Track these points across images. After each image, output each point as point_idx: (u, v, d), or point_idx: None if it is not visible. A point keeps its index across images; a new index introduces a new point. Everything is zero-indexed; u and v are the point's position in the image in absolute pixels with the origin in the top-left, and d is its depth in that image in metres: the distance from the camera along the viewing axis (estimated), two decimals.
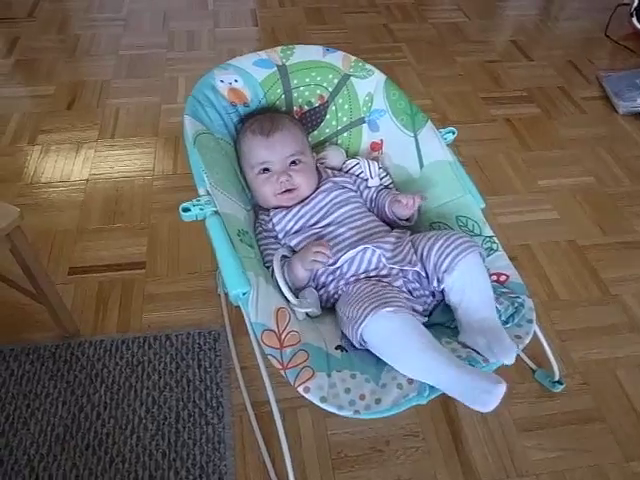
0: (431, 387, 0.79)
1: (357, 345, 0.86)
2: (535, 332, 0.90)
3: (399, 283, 0.91)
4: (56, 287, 1.14)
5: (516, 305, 0.88)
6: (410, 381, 0.80)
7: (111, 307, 1.27)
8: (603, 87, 1.97)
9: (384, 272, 0.93)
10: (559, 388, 1.12)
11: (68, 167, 1.62)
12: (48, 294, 1.10)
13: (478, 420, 1.09)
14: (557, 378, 1.12)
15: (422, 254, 0.93)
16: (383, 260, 0.94)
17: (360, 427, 1.07)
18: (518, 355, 1.19)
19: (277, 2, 2.48)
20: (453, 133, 1.12)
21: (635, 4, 2.18)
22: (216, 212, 0.91)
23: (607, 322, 1.27)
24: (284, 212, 1.03)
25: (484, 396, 0.73)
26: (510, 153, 1.71)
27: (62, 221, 1.46)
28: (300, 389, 0.78)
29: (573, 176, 1.64)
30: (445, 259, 0.89)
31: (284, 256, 0.96)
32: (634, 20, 2.20)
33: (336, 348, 0.87)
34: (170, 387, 1.12)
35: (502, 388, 0.72)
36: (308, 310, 0.90)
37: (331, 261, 0.96)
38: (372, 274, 0.94)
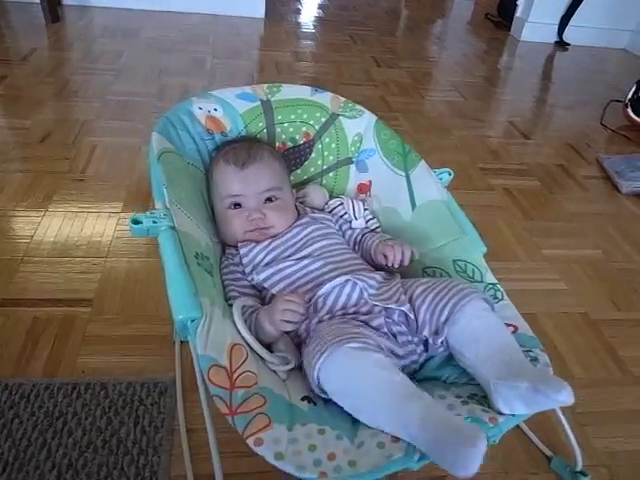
0: None
1: (318, 393, 0.68)
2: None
3: (378, 322, 0.74)
4: None
5: (529, 360, 0.70)
6: (395, 439, 0.61)
7: (42, 346, 1.05)
8: (604, 168, 1.90)
9: (364, 309, 0.76)
10: None
11: (27, 196, 1.46)
12: None
13: None
14: (579, 468, 0.90)
15: (414, 299, 0.77)
16: (365, 295, 0.78)
17: None
18: (531, 440, 0.99)
19: (275, 70, 2.48)
20: (450, 174, 1.01)
21: (629, 95, 2.20)
22: (172, 228, 0.76)
23: (634, 406, 1.07)
24: (253, 244, 0.89)
25: (460, 454, 0.54)
26: (510, 221, 1.59)
27: (7, 249, 1.28)
28: (250, 441, 0.58)
29: (580, 248, 1.51)
30: (445, 306, 0.72)
31: (247, 306, 0.79)
32: (629, 110, 2.20)
33: (302, 399, 0.67)
34: (95, 448, 0.88)
35: (480, 446, 0.54)
36: (290, 367, 0.72)
37: (307, 298, 0.79)
38: (350, 311, 0.77)
